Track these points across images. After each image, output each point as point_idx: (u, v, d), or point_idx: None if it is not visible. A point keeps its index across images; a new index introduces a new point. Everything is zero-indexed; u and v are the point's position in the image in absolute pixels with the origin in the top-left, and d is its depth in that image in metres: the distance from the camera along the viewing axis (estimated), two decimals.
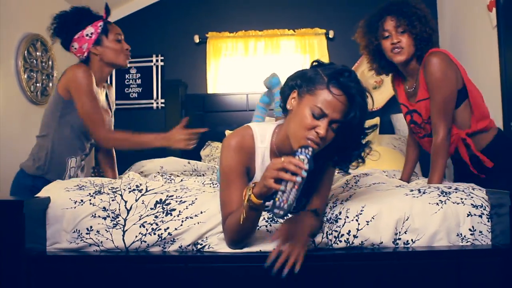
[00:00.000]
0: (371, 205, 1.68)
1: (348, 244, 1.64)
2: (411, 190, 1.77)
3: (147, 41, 4.70)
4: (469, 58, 3.44)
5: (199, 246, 1.66)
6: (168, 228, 1.67)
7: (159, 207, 1.71)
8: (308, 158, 1.41)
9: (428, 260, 1.59)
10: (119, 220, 1.69)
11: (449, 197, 1.70)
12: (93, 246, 1.69)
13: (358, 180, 2.11)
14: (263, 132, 1.69)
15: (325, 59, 4.49)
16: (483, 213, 1.67)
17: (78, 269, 1.64)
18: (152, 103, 4.70)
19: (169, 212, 1.69)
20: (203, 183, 2.32)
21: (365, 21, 2.33)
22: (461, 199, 1.70)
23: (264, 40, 4.59)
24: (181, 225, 1.67)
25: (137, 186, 1.80)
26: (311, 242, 1.60)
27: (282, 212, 1.39)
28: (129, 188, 1.79)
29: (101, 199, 1.73)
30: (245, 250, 1.62)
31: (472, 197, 1.70)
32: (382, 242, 1.63)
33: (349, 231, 1.64)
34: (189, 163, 3.02)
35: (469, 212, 1.66)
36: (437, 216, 1.65)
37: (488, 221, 1.66)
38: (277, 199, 1.39)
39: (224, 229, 1.61)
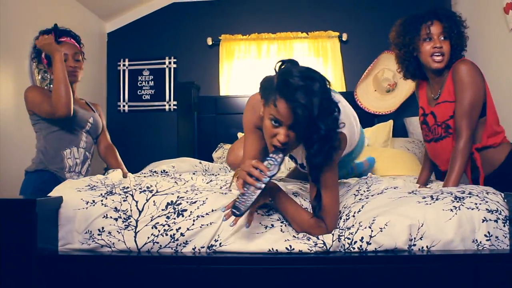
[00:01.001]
0: (383, 213, 1.65)
1: (362, 251, 1.61)
2: (424, 197, 1.73)
3: (160, 43, 4.73)
4: (485, 62, 3.40)
5: (213, 248, 1.65)
6: (180, 228, 1.66)
7: (170, 208, 1.70)
8: (275, 163, 1.55)
9: (445, 264, 1.55)
10: (130, 222, 1.68)
11: (463, 203, 1.67)
12: (105, 247, 1.68)
13: (370, 187, 2.07)
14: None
15: (338, 62, 4.48)
16: (498, 218, 1.63)
17: (90, 269, 1.63)
18: (165, 105, 4.71)
19: (180, 212, 1.69)
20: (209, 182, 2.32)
21: (406, 20, 2.32)
22: (476, 204, 1.66)
23: (277, 42, 4.59)
24: (193, 224, 1.66)
25: (147, 187, 1.80)
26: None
27: (238, 213, 1.50)
28: (140, 189, 1.79)
29: (113, 200, 1.73)
30: (257, 248, 1.62)
31: (486, 202, 1.67)
32: (396, 247, 1.60)
33: (362, 237, 1.61)
34: (200, 163, 3.02)
35: (484, 218, 1.63)
36: (452, 223, 1.61)
37: (504, 226, 1.63)
38: (237, 199, 1.52)
39: None
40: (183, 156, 3.83)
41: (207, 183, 2.08)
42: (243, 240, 1.64)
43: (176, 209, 1.70)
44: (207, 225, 1.66)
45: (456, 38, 2.22)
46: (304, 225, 1.67)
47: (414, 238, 1.61)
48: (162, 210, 1.70)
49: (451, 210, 1.64)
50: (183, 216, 1.68)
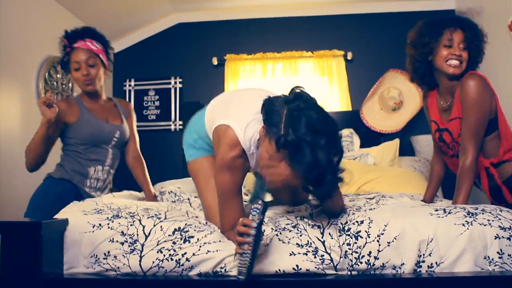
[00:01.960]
0: (394, 223, 1.64)
1: (369, 266, 1.60)
2: (436, 210, 1.72)
3: (166, 63, 4.76)
4: (490, 79, 3.38)
5: (218, 273, 1.63)
6: (185, 253, 1.64)
7: (177, 233, 1.69)
8: (258, 212, 1.48)
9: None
10: (136, 246, 1.67)
11: (476, 218, 1.65)
12: (110, 271, 1.66)
13: (378, 202, 2.06)
14: (249, 134, 1.71)
15: (344, 80, 4.48)
16: (511, 235, 1.61)
17: None
18: (170, 125, 4.72)
19: (187, 239, 1.67)
20: None
21: (430, 22, 2.28)
22: (488, 220, 1.64)
23: (282, 62, 4.60)
24: (199, 250, 1.64)
25: (156, 214, 1.79)
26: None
27: (243, 277, 1.47)
28: (148, 214, 1.78)
29: (119, 223, 1.72)
30: (264, 270, 1.59)
31: (499, 219, 1.65)
32: (404, 263, 1.58)
33: (370, 252, 1.60)
34: None
35: (497, 235, 1.60)
36: (463, 237, 1.60)
37: None
38: (238, 265, 1.49)
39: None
40: (188, 176, 3.81)
41: None
42: None
43: (183, 236, 1.68)
44: (213, 252, 1.65)
45: (475, 51, 2.20)
46: None
47: (423, 255, 1.59)
48: (169, 235, 1.68)
49: (463, 224, 1.62)
50: (189, 242, 1.67)
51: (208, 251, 1.64)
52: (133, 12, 4.45)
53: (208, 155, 2.00)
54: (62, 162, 2.60)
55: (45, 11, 3.58)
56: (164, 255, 1.65)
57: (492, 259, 1.59)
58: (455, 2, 4.46)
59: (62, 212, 1.80)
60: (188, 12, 4.74)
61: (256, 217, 1.47)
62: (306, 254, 1.62)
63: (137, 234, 1.69)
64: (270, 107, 1.58)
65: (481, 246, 1.59)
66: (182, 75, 4.74)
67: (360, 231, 1.65)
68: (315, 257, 1.61)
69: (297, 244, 1.64)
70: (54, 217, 1.74)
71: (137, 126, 4.59)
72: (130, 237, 1.68)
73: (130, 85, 4.78)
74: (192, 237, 1.68)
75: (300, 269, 1.59)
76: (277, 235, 1.68)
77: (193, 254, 1.64)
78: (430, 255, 1.59)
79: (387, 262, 1.59)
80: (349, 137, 4.03)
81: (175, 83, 4.74)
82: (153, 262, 1.64)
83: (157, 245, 1.67)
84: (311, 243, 1.64)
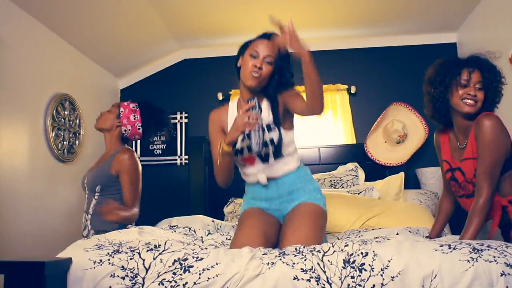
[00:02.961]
0: (398, 258, 1.62)
1: None
2: (441, 245, 1.70)
3: (171, 98, 4.81)
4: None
5: None
6: (187, 283, 1.64)
7: (176, 263, 1.69)
8: (253, 100, 2.09)
9: None
10: (137, 280, 1.67)
11: (481, 255, 1.63)
12: None
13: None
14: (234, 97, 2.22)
15: (348, 114, 4.52)
16: None
17: None
18: (176, 160, 4.74)
19: (187, 268, 1.68)
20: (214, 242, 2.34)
21: (448, 61, 2.31)
22: (494, 257, 1.62)
23: None
24: (200, 277, 1.64)
25: (155, 246, 1.80)
26: None
27: (257, 149, 2.06)
28: (147, 247, 1.78)
29: (120, 258, 1.72)
30: None
31: (505, 256, 1.63)
32: None
33: (374, 285, 1.58)
34: (213, 221, 3.00)
35: (503, 272, 1.58)
36: (468, 274, 1.57)
37: None
38: (254, 141, 2.06)
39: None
40: (195, 210, 3.82)
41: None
42: None
43: (183, 265, 1.69)
44: (214, 278, 1.64)
45: (493, 92, 2.21)
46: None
47: None
48: (169, 266, 1.69)
49: (468, 261, 1.60)
50: (189, 272, 1.67)
51: (208, 278, 1.64)
52: (139, 49, 4.54)
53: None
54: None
55: (53, 49, 3.66)
56: (166, 287, 1.64)
57: None
58: (456, 36, 4.52)
59: (66, 251, 1.80)
60: (193, 49, 4.83)
61: (252, 101, 2.08)
62: (309, 281, 1.61)
63: (138, 268, 1.69)
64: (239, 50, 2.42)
65: (487, 283, 1.57)
66: (187, 110, 4.79)
67: (364, 264, 1.64)
68: (317, 283, 1.60)
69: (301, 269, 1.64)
70: (57, 256, 1.74)
71: (144, 161, 4.67)
72: (131, 271, 1.68)
73: None
74: (192, 266, 1.68)
75: None
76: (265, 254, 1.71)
77: (194, 283, 1.64)
78: None
79: None
80: (353, 171, 4.03)
81: (181, 118, 4.79)
82: None
83: (158, 277, 1.67)
84: (314, 270, 1.64)
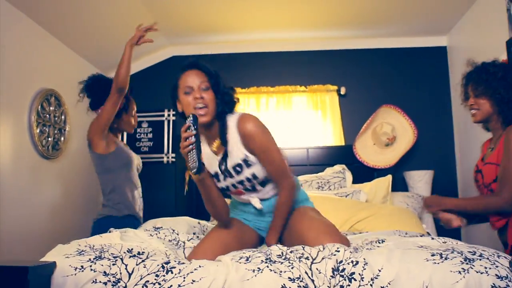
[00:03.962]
0: (388, 267, 1.60)
1: None
2: (433, 255, 1.68)
3: (159, 95, 4.75)
4: None
5: None
6: (171, 286, 1.60)
7: (159, 266, 1.67)
8: (192, 122, 2.01)
9: None
10: (120, 284, 1.63)
11: (473, 265, 1.61)
12: None
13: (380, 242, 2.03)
14: None
15: (337, 115, 4.50)
16: (508, 285, 1.57)
17: None
18: (163, 158, 4.69)
19: (169, 270, 1.65)
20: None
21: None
22: (485, 268, 1.60)
23: (276, 96, 4.62)
24: (184, 280, 1.61)
25: (138, 252, 1.76)
26: None
27: (195, 170, 1.90)
28: (130, 254, 1.75)
29: (102, 264, 1.68)
30: None
31: (497, 266, 1.61)
32: None
33: None
34: (199, 223, 2.97)
35: (493, 284, 1.56)
36: (459, 286, 1.55)
37: None
38: (190, 163, 1.94)
39: None
40: (181, 209, 3.78)
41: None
42: None
43: (165, 267, 1.66)
44: (198, 281, 1.61)
45: (494, 91, 2.23)
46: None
47: None
48: (153, 272, 1.66)
49: (459, 272, 1.58)
50: (172, 273, 1.64)
51: (193, 280, 1.61)
52: None
53: None
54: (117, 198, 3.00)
55: (38, 43, 3.58)
56: None
57: None
58: (447, 39, 4.53)
59: (46, 257, 1.75)
60: (182, 46, 4.78)
61: (187, 121, 2.03)
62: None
63: (120, 273, 1.65)
64: (171, 96, 2.47)
65: None
66: (175, 107, 4.72)
67: (354, 273, 1.62)
68: None
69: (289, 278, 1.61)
70: (41, 260, 1.69)
71: None
72: (113, 276, 1.64)
73: None
74: (174, 267, 1.66)
75: None
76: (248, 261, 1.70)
77: (179, 286, 1.60)
78: None
79: None
80: (341, 173, 4.02)
81: (169, 115, 4.74)
82: None
83: (141, 279, 1.63)
84: (302, 279, 1.61)
